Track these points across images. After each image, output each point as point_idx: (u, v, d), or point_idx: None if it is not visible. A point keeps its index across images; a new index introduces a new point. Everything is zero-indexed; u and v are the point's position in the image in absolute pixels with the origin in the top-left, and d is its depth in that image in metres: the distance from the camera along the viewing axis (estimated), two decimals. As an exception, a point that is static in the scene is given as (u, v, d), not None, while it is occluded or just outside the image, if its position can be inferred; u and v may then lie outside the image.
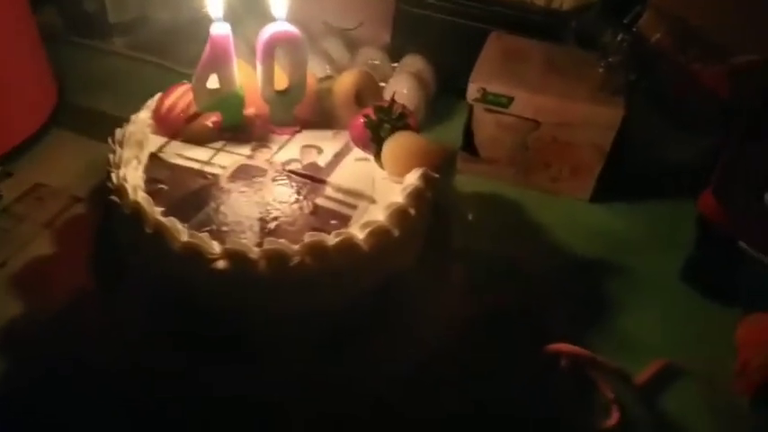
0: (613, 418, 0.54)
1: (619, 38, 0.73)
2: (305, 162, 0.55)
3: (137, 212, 0.46)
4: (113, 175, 0.49)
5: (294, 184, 0.53)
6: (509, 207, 0.76)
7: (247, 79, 0.56)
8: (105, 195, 0.50)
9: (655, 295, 0.65)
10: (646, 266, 0.68)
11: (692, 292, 0.66)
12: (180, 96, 0.55)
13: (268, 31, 0.53)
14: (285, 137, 0.58)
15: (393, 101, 0.56)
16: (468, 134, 0.77)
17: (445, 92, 0.86)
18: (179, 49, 0.93)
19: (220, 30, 0.51)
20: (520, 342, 0.59)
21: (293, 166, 0.54)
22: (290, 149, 0.56)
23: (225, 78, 0.54)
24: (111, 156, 0.51)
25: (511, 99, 0.72)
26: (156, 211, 0.46)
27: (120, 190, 0.47)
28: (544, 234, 0.71)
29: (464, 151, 0.77)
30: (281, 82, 0.57)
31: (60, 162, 0.75)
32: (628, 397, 0.56)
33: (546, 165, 0.76)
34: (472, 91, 0.73)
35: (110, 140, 0.53)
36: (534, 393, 0.55)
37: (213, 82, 0.54)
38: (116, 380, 0.53)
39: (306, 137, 0.58)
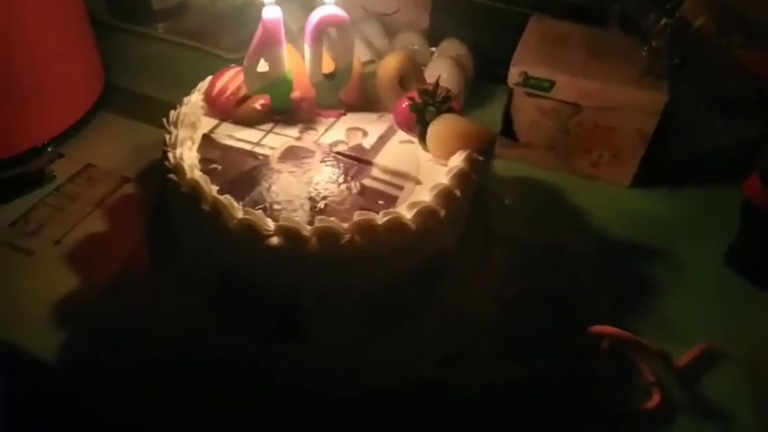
0: (654, 400, 0.55)
1: (662, 22, 0.72)
2: (351, 144, 0.56)
3: (195, 190, 0.47)
4: (170, 155, 0.50)
5: (341, 165, 0.54)
6: (548, 192, 0.76)
7: (294, 62, 0.57)
8: (160, 174, 0.51)
9: (697, 280, 0.65)
10: (688, 252, 0.67)
11: (735, 277, 0.65)
12: (230, 79, 0.57)
13: (317, 14, 0.53)
14: (331, 119, 0.59)
15: (437, 84, 0.57)
16: (508, 118, 0.77)
17: (482, 76, 0.86)
18: (219, 35, 0.94)
19: (272, 14, 0.52)
20: (561, 324, 0.59)
21: (340, 148, 0.55)
22: (336, 132, 0.57)
23: (274, 62, 0.55)
24: (166, 136, 0.52)
25: (553, 83, 0.72)
26: (213, 189, 0.47)
27: (178, 169, 0.49)
28: (584, 219, 0.71)
29: (503, 136, 0.78)
30: (328, 65, 0.57)
31: (109, 143, 0.77)
32: (669, 380, 0.56)
33: (586, 150, 0.75)
34: (514, 75, 0.73)
35: (164, 121, 0.54)
36: (575, 374, 0.56)
37: (262, 65, 0.55)
38: (168, 356, 0.55)
39: (351, 119, 0.59)
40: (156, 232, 0.57)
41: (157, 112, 0.57)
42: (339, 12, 0.54)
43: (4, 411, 0.56)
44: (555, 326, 0.59)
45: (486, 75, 0.85)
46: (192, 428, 0.53)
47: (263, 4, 0.52)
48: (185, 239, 0.54)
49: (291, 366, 0.52)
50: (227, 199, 0.46)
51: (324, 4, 0.54)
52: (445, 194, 0.49)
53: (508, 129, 0.78)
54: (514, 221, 0.68)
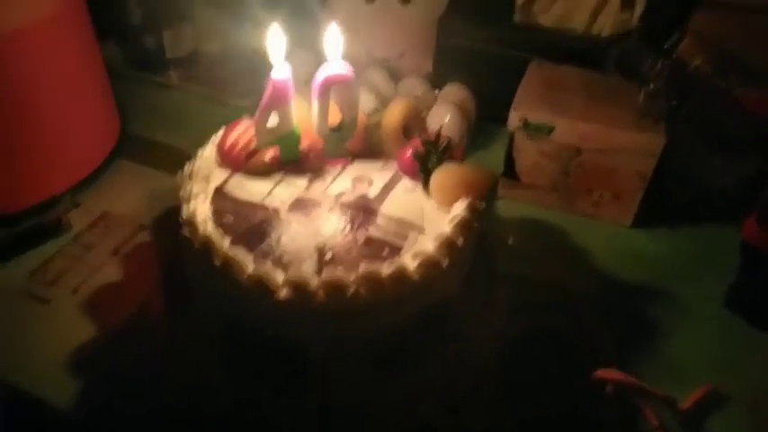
0: (658, 443, 0.56)
1: (659, 65, 0.74)
2: (357, 193, 0.58)
3: (207, 246, 0.49)
4: (184, 209, 0.52)
5: (348, 214, 0.56)
6: (550, 232, 0.77)
7: (302, 113, 0.60)
8: (175, 222, 0.53)
9: (698, 321, 0.66)
10: (689, 292, 0.68)
11: (735, 318, 0.66)
12: (242, 133, 0.59)
13: (324, 72, 0.56)
14: (338, 168, 0.61)
15: (440, 133, 0.59)
16: (510, 160, 0.79)
17: (485, 117, 0.88)
18: (229, 82, 0.98)
19: (281, 74, 0.55)
20: (564, 364, 0.60)
21: (346, 198, 0.57)
22: (343, 181, 0.59)
23: (284, 118, 0.57)
24: (181, 191, 0.54)
25: (552, 128, 0.74)
26: (225, 244, 0.49)
27: (191, 225, 0.51)
28: (586, 259, 0.73)
29: (505, 177, 0.79)
30: (334, 117, 0.60)
31: (124, 191, 0.79)
32: (673, 423, 0.57)
33: (587, 190, 0.77)
34: (513, 120, 0.75)
35: (179, 175, 0.56)
36: (578, 416, 0.57)
37: (272, 119, 0.58)
38: (182, 404, 0.56)
39: (357, 168, 0.61)
40: (171, 280, 0.59)
41: (172, 159, 0.59)
42: (344, 69, 0.56)
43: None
44: (558, 366, 0.60)
45: (488, 116, 0.88)
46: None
47: (272, 66, 0.55)
48: (197, 293, 0.55)
49: (298, 416, 0.54)
50: (237, 254, 0.48)
51: (329, 59, 0.56)
52: (448, 244, 0.51)
53: (510, 170, 0.79)
54: (517, 261, 0.69)
